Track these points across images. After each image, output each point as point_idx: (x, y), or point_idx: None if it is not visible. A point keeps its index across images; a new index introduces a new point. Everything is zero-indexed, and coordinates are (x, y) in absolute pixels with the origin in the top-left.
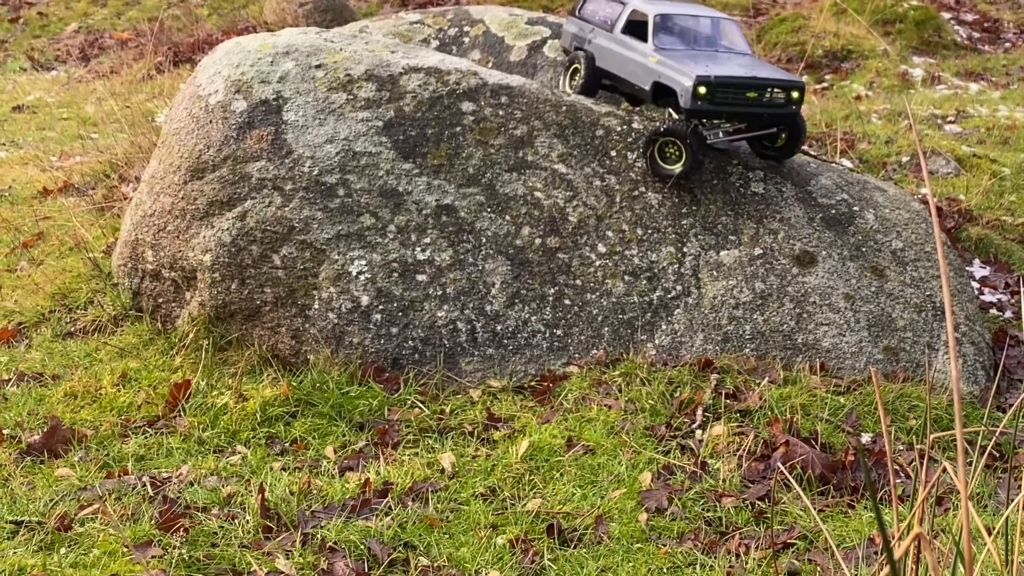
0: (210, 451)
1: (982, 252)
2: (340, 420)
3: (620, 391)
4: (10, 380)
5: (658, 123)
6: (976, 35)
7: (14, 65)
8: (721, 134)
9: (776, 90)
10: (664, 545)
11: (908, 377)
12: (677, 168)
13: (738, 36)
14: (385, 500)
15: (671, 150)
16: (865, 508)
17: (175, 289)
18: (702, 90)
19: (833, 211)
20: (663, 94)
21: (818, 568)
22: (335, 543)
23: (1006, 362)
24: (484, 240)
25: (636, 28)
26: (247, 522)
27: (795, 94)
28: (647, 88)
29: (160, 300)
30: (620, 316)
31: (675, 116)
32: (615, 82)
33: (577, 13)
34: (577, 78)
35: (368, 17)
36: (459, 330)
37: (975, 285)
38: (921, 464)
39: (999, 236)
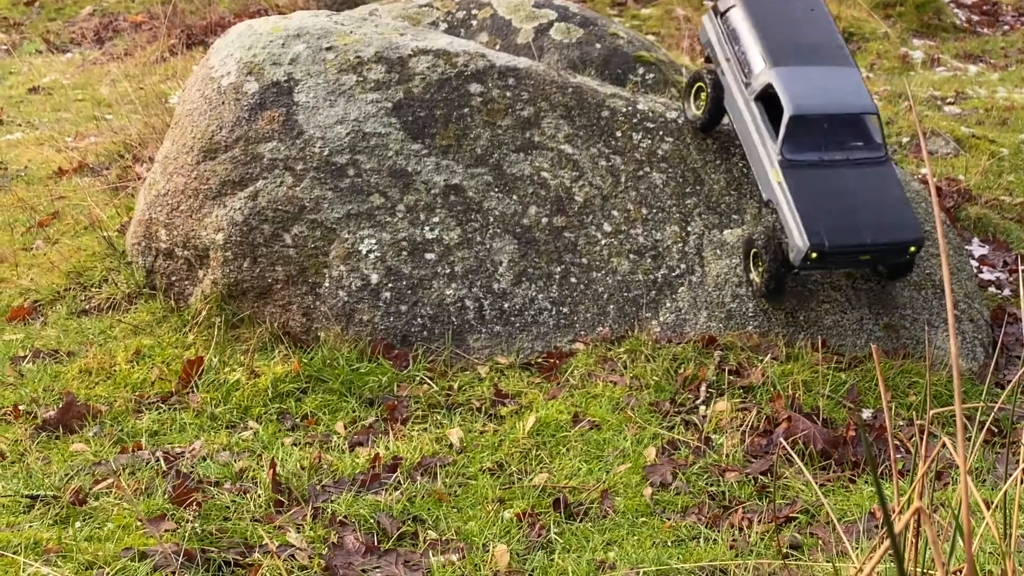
0: (222, 426)
1: (981, 231)
2: (350, 396)
3: (625, 368)
4: (26, 357)
5: (755, 234)
6: (975, 18)
7: (30, 47)
8: (817, 274)
9: (894, 252)
10: (668, 519)
11: (908, 354)
12: (755, 277)
13: (875, 129)
14: (394, 475)
15: (759, 261)
16: (866, 483)
17: (188, 267)
18: (814, 255)
19: None
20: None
21: (820, 541)
22: (345, 517)
23: (1004, 339)
24: (492, 219)
25: (771, 101)
26: (259, 496)
27: (913, 248)
28: (764, 196)
29: (173, 278)
30: (625, 294)
31: (771, 233)
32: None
33: (720, 15)
34: (700, 105)
35: (378, 0)
36: (467, 308)
37: (974, 263)
38: (921, 439)
39: (997, 215)
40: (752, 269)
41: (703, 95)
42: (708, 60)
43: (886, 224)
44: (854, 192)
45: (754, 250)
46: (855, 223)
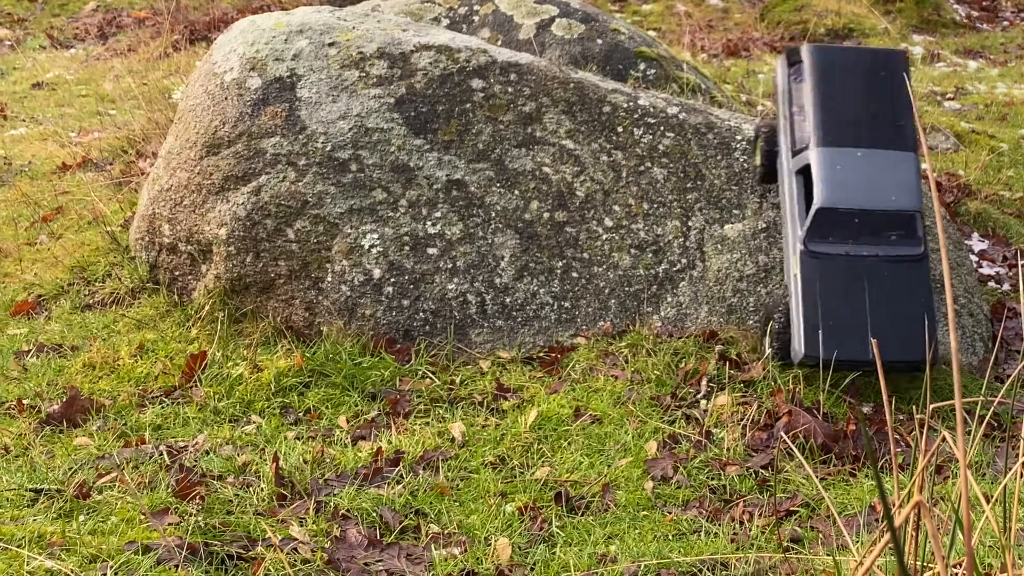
0: (225, 421)
1: (980, 226)
2: (353, 390)
3: (626, 362)
4: (30, 351)
5: (772, 305)
6: (975, 14)
7: (34, 43)
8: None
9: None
10: (669, 512)
11: None
12: (767, 348)
13: (917, 223)
14: (397, 468)
15: (774, 338)
16: (866, 476)
17: (191, 262)
18: (809, 363)
19: None
20: None
21: (820, 535)
22: (348, 511)
23: (1004, 333)
24: (493, 214)
25: (810, 180)
26: (262, 490)
27: (921, 368)
28: (785, 279)
29: (177, 273)
30: (626, 289)
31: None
32: None
33: (790, 64)
34: (758, 157)
35: None
36: (469, 302)
37: (973, 258)
38: (921, 434)
39: (997, 210)
40: (767, 337)
41: (760, 151)
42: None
43: (895, 338)
44: (871, 296)
45: (771, 323)
46: (860, 335)
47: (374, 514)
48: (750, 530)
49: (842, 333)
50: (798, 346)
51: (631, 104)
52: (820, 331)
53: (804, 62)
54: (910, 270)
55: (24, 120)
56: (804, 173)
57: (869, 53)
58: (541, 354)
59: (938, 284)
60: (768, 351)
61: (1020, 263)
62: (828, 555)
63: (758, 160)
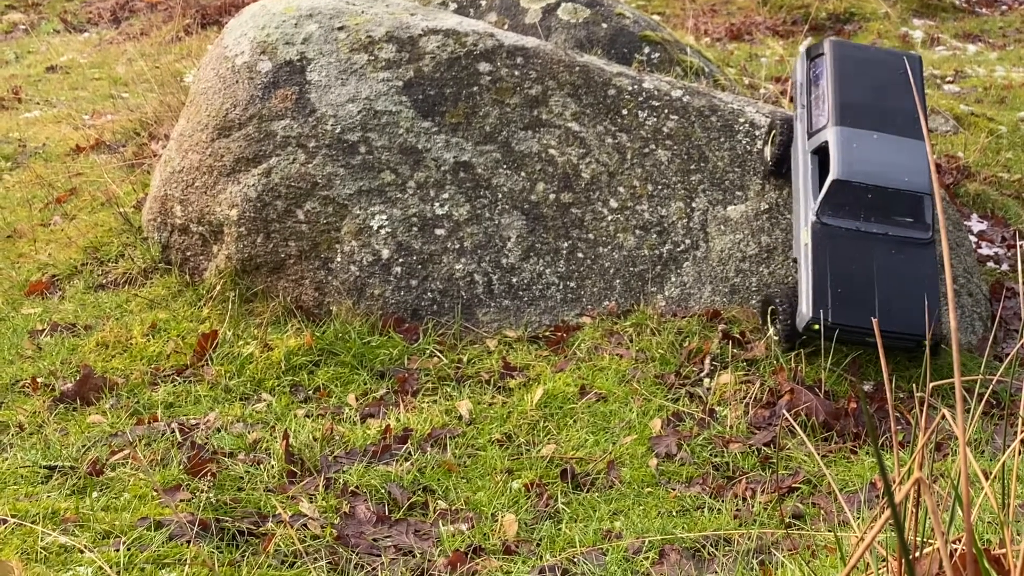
0: (236, 399)
1: (979, 207)
2: (361, 369)
3: (631, 341)
4: (44, 330)
5: (772, 292)
6: None
7: (47, 27)
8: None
9: (900, 341)
10: (673, 489)
11: None
12: (771, 333)
13: (927, 208)
14: (405, 446)
15: (777, 319)
16: (867, 454)
17: (203, 243)
18: (815, 326)
19: None
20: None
21: (822, 511)
22: (357, 487)
23: (1002, 313)
24: (500, 196)
25: (827, 158)
26: (272, 467)
27: (923, 342)
28: (792, 255)
29: (188, 253)
30: (631, 269)
31: (790, 294)
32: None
33: (811, 59)
34: (771, 149)
35: None
36: (476, 282)
37: (973, 239)
38: (921, 411)
39: (996, 192)
40: (770, 324)
41: (775, 142)
42: (793, 100)
43: (899, 312)
44: (879, 270)
45: (772, 307)
46: (866, 304)
47: (383, 491)
48: (752, 506)
49: (849, 301)
50: (805, 310)
51: (636, 87)
52: (828, 296)
53: (825, 55)
54: (917, 252)
55: (38, 103)
56: (819, 153)
57: (888, 52)
58: (547, 333)
59: (939, 264)
60: (771, 332)
61: (1019, 243)
62: (829, 531)
63: (769, 151)
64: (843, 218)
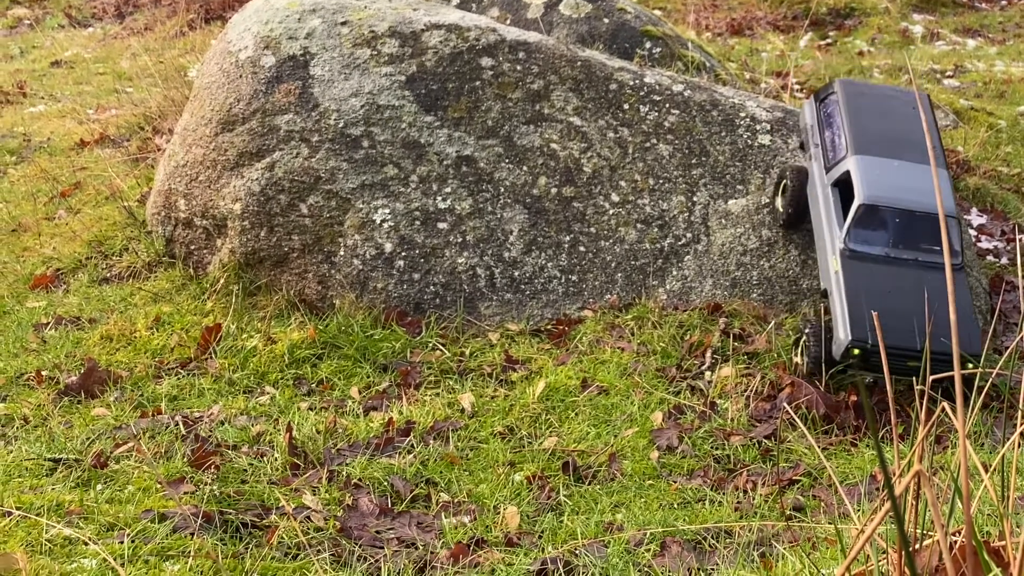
0: (240, 392)
1: (979, 201)
2: (364, 362)
3: (633, 334)
4: (48, 324)
5: (805, 326)
6: None
7: (52, 22)
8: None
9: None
10: (675, 482)
11: None
12: (798, 359)
13: (954, 234)
14: (407, 438)
15: (806, 350)
16: (867, 446)
17: (206, 236)
18: (855, 351)
19: None
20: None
21: (822, 503)
22: (360, 480)
23: (1002, 306)
24: (502, 190)
25: (848, 189)
26: (275, 460)
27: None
28: (822, 285)
29: (192, 247)
30: (633, 262)
31: (819, 327)
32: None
33: (819, 101)
34: (784, 199)
35: None
36: (478, 276)
37: (972, 233)
38: (921, 404)
39: (995, 186)
40: (795, 353)
41: (787, 190)
42: (802, 147)
43: (940, 332)
44: (913, 293)
45: (802, 339)
46: (906, 325)
47: (385, 483)
48: (753, 499)
49: (888, 323)
50: (843, 336)
51: (637, 82)
52: (867, 319)
53: (836, 93)
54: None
55: (43, 97)
56: (840, 184)
57: (897, 89)
58: (549, 326)
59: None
60: (800, 362)
61: (1018, 237)
62: (830, 523)
63: (780, 202)
64: (871, 245)
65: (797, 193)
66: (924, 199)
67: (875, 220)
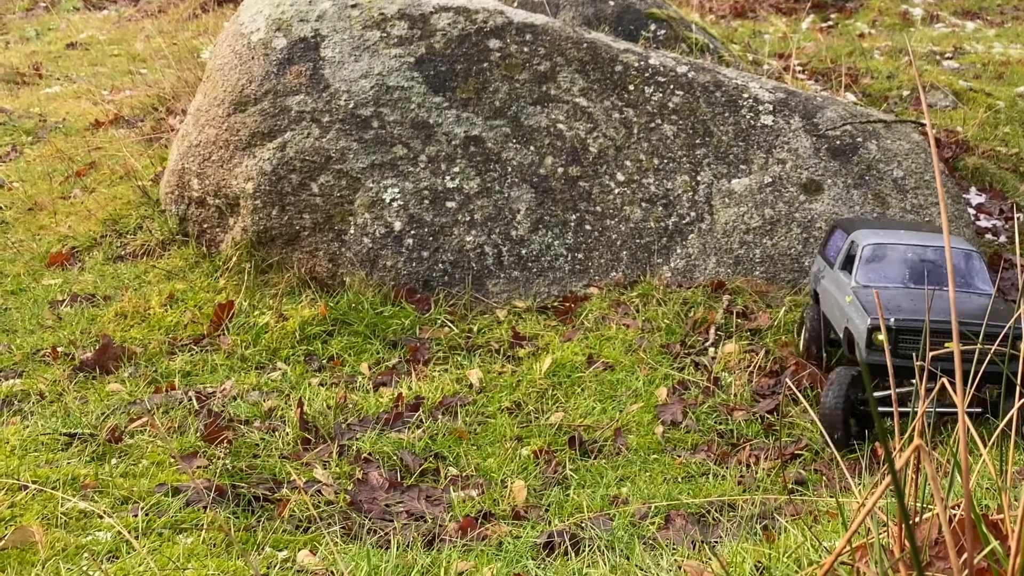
0: (252, 368)
1: (978, 180)
2: (374, 338)
3: (637, 311)
4: (64, 301)
5: (804, 307)
6: None
7: (68, 5)
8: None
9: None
10: (679, 456)
11: None
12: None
13: (977, 269)
14: (416, 413)
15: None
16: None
17: (219, 215)
18: (879, 337)
19: (838, 142)
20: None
21: (824, 477)
22: (370, 454)
23: (1000, 284)
24: (510, 169)
25: (849, 259)
26: (287, 434)
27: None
28: (841, 334)
29: (205, 225)
30: (637, 241)
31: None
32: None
33: (822, 251)
34: (804, 332)
35: None
36: (486, 254)
37: (971, 211)
38: (921, 380)
39: (994, 165)
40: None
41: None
42: (816, 299)
43: (964, 311)
44: (925, 295)
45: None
46: (923, 307)
47: (395, 457)
48: (756, 473)
49: (905, 307)
50: (862, 323)
51: (642, 63)
52: (884, 307)
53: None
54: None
55: (59, 79)
56: (848, 263)
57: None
58: (555, 303)
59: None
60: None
61: (1016, 215)
62: (831, 497)
63: (803, 342)
64: (880, 280)
65: (814, 313)
66: (928, 241)
67: (884, 259)
